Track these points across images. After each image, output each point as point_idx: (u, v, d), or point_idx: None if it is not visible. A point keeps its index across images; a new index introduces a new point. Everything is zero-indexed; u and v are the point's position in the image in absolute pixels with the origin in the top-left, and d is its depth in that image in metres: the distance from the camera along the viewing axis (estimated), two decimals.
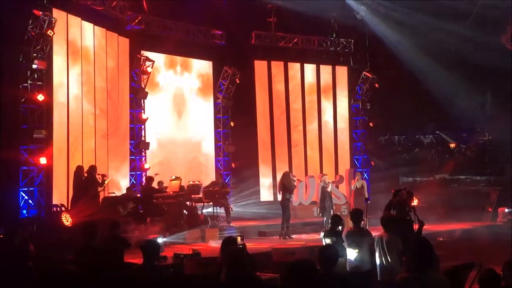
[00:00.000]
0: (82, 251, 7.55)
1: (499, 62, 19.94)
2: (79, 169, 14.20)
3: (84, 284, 6.32)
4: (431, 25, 20.08)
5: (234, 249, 6.48)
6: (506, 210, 19.07)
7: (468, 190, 20.88)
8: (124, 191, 16.38)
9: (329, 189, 16.41)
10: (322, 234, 10.17)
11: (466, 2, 19.56)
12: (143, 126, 18.11)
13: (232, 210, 17.02)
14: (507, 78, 20.27)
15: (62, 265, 8.63)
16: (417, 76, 21.28)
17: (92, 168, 14.17)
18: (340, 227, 9.63)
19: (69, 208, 13.92)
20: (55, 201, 14.32)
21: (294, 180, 16.54)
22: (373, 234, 8.89)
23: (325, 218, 15.62)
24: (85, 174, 14.11)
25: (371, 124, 22.15)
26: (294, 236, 15.87)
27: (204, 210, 17.04)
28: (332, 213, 14.88)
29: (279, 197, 16.37)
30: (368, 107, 22.05)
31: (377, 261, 8.34)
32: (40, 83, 14.21)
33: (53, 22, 14.10)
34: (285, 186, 15.95)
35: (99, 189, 14.31)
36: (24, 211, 14.00)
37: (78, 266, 7.39)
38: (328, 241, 9.34)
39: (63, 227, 13.05)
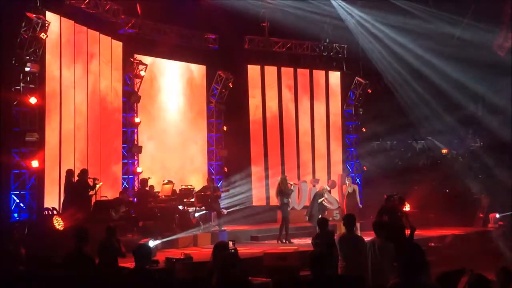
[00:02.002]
0: (71, 255, 7.53)
1: (491, 68, 20.04)
2: (70, 172, 14.16)
3: None
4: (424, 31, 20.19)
5: (225, 254, 6.48)
6: (497, 215, 19.17)
7: (460, 196, 20.94)
8: (116, 195, 16.33)
9: (319, 200, 16.59)
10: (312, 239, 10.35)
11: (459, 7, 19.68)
12: (135, 130, 18.08)
13: (224, 214, 17.05)
14: (499, 84, 20.39)
15: (52, 269, 8.61)
16: (409, 82, 21.36)
17: (83, 172, 14.12)
18: (327, 218, 9.72)
19: (61, 212, 13.87)
20: (47, 204, 14.24)
21: (291, 185, 16.73)
22: (365, 239, 8.91)
23: (313, 224, 15.72)
24: (76, 178, 14.07)
25: (363, 129, 22.22)
26: (286, 241, 15.95)
27: (196, 214, 17.04)
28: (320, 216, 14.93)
29: (274, 202, 16.49)
30: (361, 112, 22.12)
31: (369, 266, 8.36)
32: (33, 86, 14.13)
33: (46, 25, 14.07)
34: (282, 191, 16.17)
35: (91, 192, 14.25)
36: (16, 215, 13.89)
37: (66, 269, 7.38)
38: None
39: (55, 230, 13.00)
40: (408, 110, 21.61)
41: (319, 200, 16.69)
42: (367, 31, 20.92)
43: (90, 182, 14.10)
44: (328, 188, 18.52)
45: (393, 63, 21.01)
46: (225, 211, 17.33)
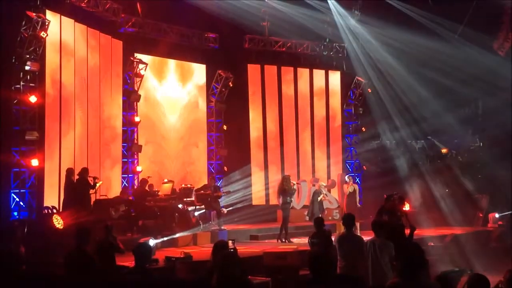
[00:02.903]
0: (71, 254, 7.53)
1: (490, 68, 20.03)
2: (70, 171, 14.15)
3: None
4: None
5: (225, 253, 6.48)
6: (497, 215, 19.16)
7: (459, 195, 20.92)
8: (116, 194, 16.33)
9: (319, 198, 16.73)
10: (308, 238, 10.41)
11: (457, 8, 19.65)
12: (135, 129, 18.08)
13: (224, 213, 17.05)
14: (498, 84, 20.37)
15: (52, 268, 8.60)
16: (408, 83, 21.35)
17: (84, 171, 14.11)
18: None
19: (61, 211, 13.87)
20: (47, 203, 14.24)
21: (294, 184, 16.82)
22: (364, 239, 8.91)
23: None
24: (77, 176, 14.07)
25: (363, 129, 22.21)
26: (286, 241, 15.96)
27: (196, 213, 17.05)
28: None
29: (274, 201, 16.50)
30: (361, 111, 22.12)
31: (369, 266, 8.36)
32: (33, 84, 14.16)
33: (46, 23, 14.07)
34: (286, 190, 16.21)
35: (91, 191, 14.25)
36: (15, 213, 13.92)
37: (67, 269, 7.38)
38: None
39: (55, 229, 12.99)
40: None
41: (319, 198, 16.77)
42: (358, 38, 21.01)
43: (90, 180, 14.09)
44: (324, 184, 18.51)
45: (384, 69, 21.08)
46: (225, 210, 17.33)
